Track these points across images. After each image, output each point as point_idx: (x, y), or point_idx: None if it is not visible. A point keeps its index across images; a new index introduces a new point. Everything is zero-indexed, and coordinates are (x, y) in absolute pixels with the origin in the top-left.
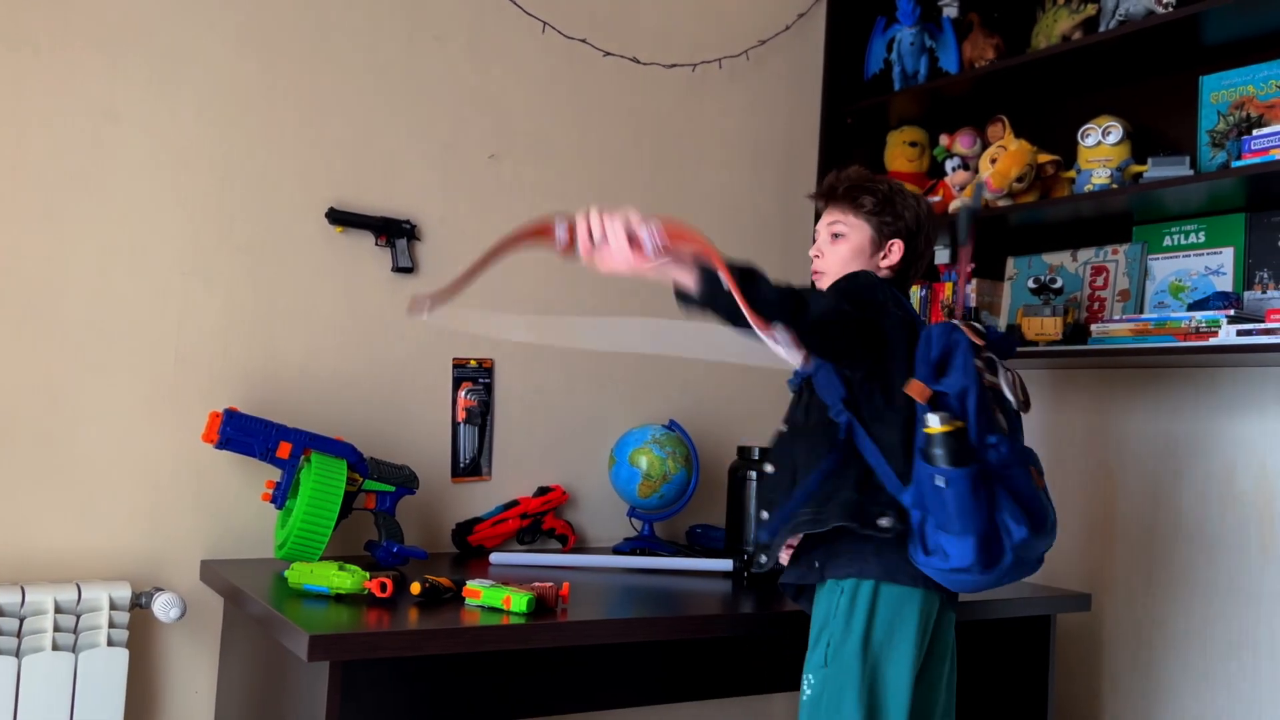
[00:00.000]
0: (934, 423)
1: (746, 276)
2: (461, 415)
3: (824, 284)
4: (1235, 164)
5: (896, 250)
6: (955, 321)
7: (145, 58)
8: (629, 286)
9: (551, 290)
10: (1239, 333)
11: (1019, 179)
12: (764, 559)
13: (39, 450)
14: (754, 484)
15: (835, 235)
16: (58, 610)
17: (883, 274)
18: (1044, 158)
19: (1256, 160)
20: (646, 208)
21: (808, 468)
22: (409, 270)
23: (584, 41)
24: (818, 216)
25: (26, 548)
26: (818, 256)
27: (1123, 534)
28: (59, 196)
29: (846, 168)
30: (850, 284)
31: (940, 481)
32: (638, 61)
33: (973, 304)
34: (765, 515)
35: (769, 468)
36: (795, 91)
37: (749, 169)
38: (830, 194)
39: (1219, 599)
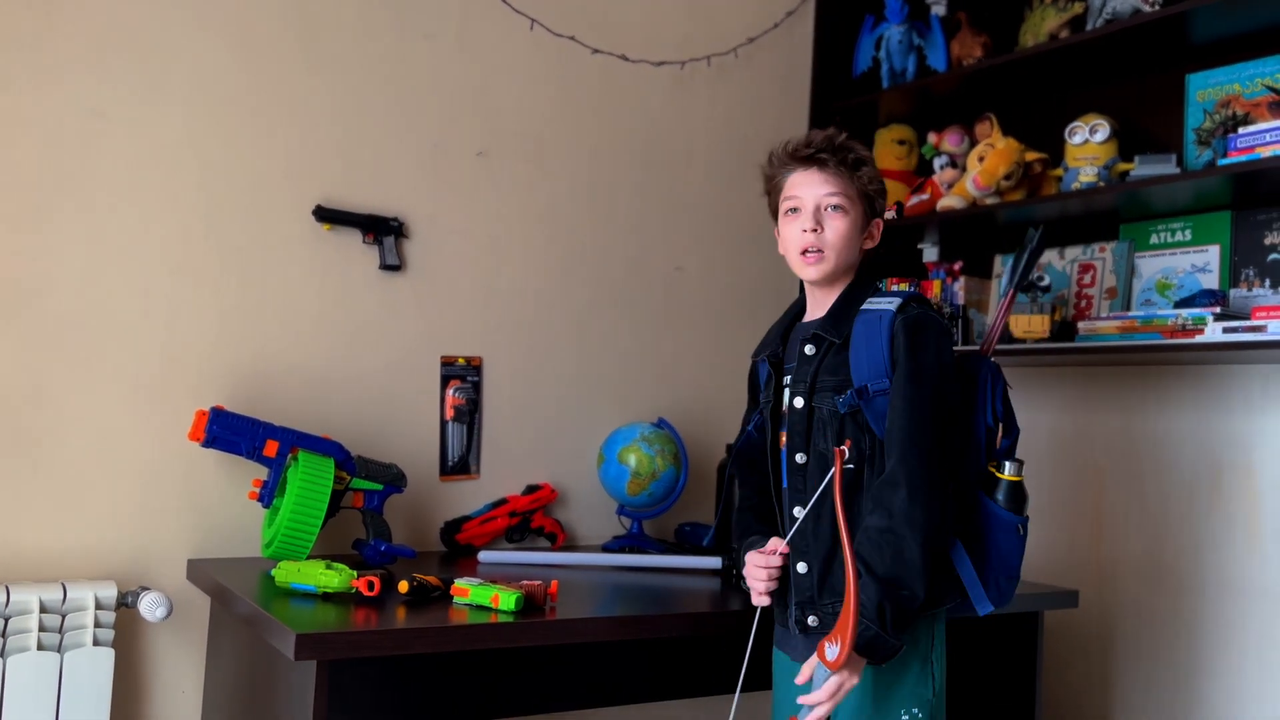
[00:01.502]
0: (1012, 470)
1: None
2: (450, 413)
3: (824, 268)
4: (1221, 162)
5: (878, 232)
6: (993, 359)
7: (132, 56)
8: (618, 281)
9: (543, 283)
10: (1225, 330)
11: (1006, 177)
12: (813, 620)
13: (25, 449)
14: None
15: (836, 208)
16: (43, 610)
17: (859, 257)
18: (1031, 156)
19: (1242, 158)
20: (635, 205)
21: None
22: (397, 268)
23: (572, 39)
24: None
25: (11, 547)
26: (815, 231)
27: (1109, 531)
28: (46, 195)
29: (823, 130)
30: (928, 360)
31: (1021, 530)
32: (626, 59)
33: (960, 302)
34: (804, 569)
35: (797, 511)
36: (784, 89)
37: (737, 167)
38: (833, 155)
39: (1206, 595)
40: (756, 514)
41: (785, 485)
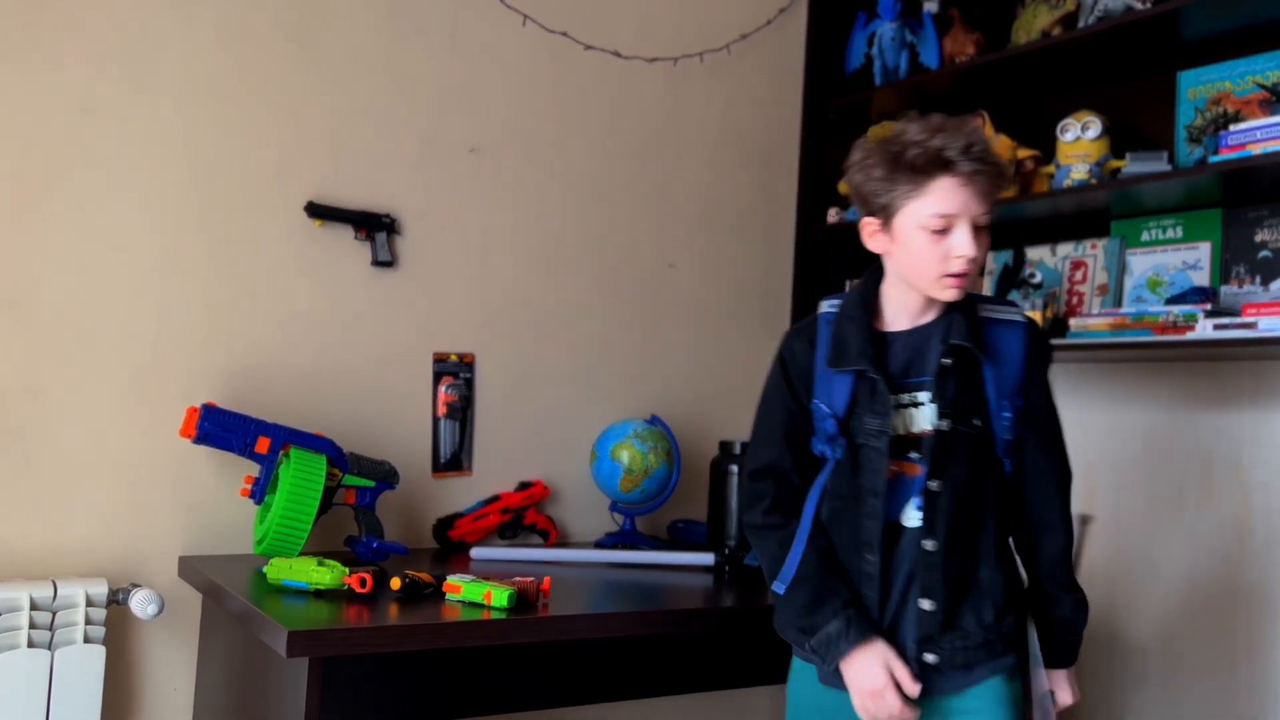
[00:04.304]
0: None
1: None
2: (442, 410)
3: (964, 290)
4: (1212, 159)
5: None
6: None
7: (123, 51)
8: (611, 278)
9: (536, 279)
10: (1215, 327)
11: None
12: (932, 658)
13: (15, 446)
14: (734, 478)
15: (983, 227)
16: (33, 607)
17: None
18: (1024, 153)
19: (1233, 156)
20: (628, 202)
21: (983, 545)
22: (389, 264)
23: (565, 35)
24: (854, 203)
25: (1, 544)
26: (975, 260)
27: (1100, 528)
28: (36, 191)
29: (963, 123)
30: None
31: None
32: (619, 55)
33: None
34: (930, 606)
35: (929, 545)
36: (777, 86)
37: (731, 163)
38: (995, 167)
39: (1197, 592)
40: (829, 558)
41: (899, 517)
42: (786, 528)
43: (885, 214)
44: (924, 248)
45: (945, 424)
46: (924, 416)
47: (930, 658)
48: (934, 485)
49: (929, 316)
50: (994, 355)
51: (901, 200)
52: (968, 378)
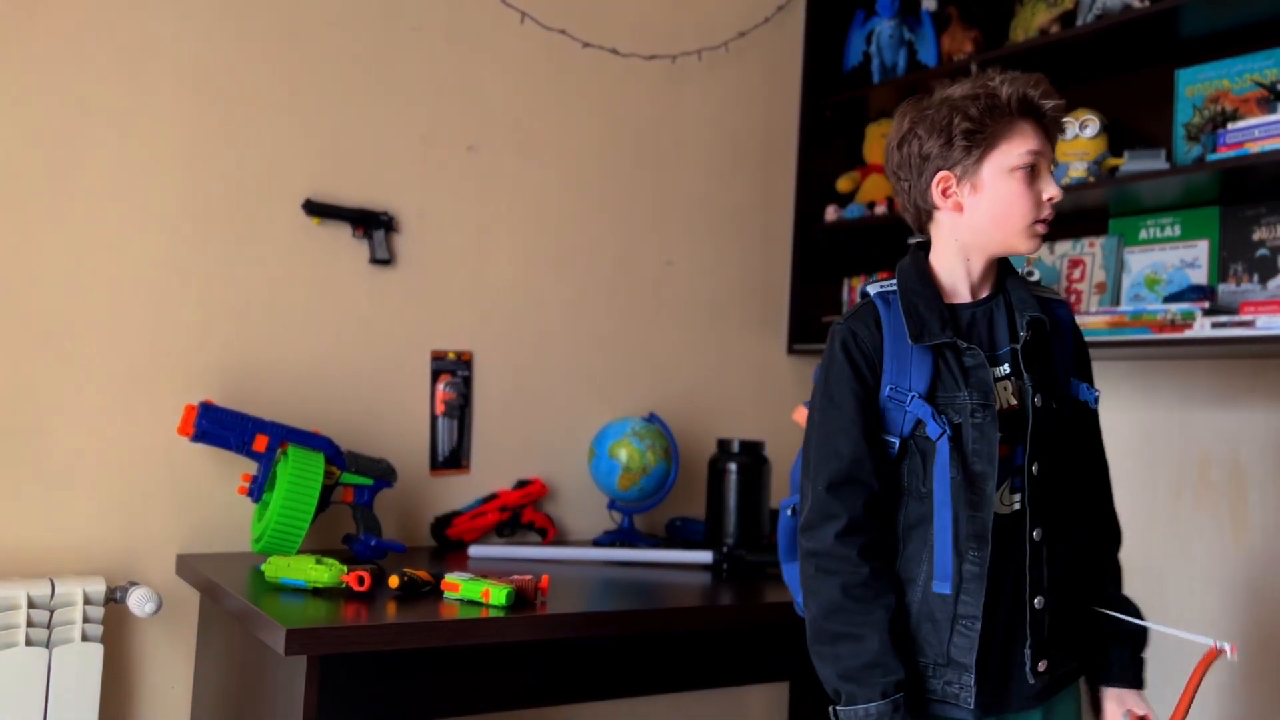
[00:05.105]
0: None
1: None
2: (440, 408)
3: (1040, 243)
4: (1210, 157)
5: None
6: None
7: (118, 47)
8: (609, 276)
9: (534, 277)
10: (1213, 325)
11: None
12: (1043, 665)
13: (12, 444)
14: (733, 476)
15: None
16: (31, 605)
17: None
18: None
19: (1231, 154)
20: (626, 200)
21: (1073, 528)
22: (387, 262)
23: (563, 32)
24: (965, 139)
25: None
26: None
27: None
28: (31, 188)
29: (1033, 74)
30: None
31: None
32: (617, 53)
33: None
34: (1040, 603)
35: (1037, 534)
36: (774, 83)
37: (728, 161)
38: (1062, 108)
39: (1193, 590)
40: (892, 627)
41: (1001, 508)
42: (858, 570)
43: (966, 164)
44: (1017, 192)
45: (1039, 399)
46: (1008, 393)
47: (1041, 665)
48: (1035, 468)
49: (986, 290)
50: (1057, 331)
51: (991, 145)
52: (1042, 353)
